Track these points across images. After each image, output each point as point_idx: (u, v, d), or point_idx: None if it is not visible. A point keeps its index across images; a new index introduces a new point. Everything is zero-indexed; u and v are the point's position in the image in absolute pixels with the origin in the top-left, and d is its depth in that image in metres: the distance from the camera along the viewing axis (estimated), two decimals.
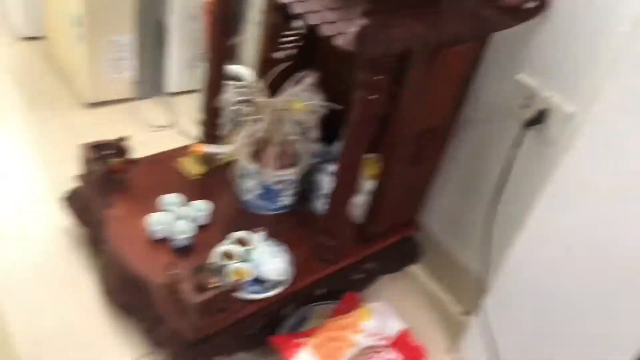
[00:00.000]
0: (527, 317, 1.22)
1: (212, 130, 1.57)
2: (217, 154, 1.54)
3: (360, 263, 1.46)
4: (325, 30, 0.99)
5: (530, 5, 1.17)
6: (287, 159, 1.38)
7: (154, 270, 1.24)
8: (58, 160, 1.67)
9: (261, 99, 1.31)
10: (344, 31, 0.96)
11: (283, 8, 1.40)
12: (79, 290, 1.40)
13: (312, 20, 1.01)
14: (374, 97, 1.10)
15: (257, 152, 1.37)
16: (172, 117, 1.98)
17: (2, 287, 1.36)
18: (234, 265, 1.24)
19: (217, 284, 1.15)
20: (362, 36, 0.93)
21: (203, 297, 1.13)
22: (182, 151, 1.58)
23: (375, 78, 1.07)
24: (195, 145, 1.56)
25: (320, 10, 1.02)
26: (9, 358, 1.24)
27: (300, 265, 1.33)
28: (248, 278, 1.24)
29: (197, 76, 1.92)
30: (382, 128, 1.21)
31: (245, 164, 1.38)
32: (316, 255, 1.36)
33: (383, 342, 1.26)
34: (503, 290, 1.25)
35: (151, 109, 2.00)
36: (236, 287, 1.19)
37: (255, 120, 1.32)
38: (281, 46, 1.52)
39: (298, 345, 1.21)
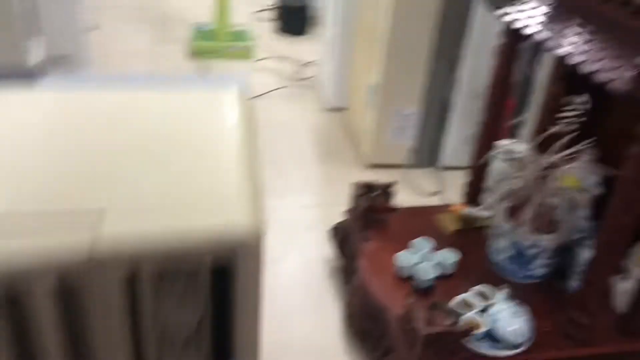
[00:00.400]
0: None
1: (474, 194, 1.60)
2: (476, 216, 1.56)
3: (616, 358, 1.28)
4: (601, 77, 0.97)
5: None
6: (545, 224, 1.33)
7: (394, 303, 1.29)
8: (332, 203, 1.87)
9: (529, 158, 1.31)
10: (619, 76, 0.93)
11: (566, 79, 1.41)
12: (325, 311, 1.52)
13: (589, 68, 1.01)
14: None
15: (514, 211, 1.35)
16: (441, 187, 2.06)
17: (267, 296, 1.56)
18: (469, 314, 1.22)
19: (448, 324, 1.15)
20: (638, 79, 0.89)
21: (432, 330, 1.13)
22: (442, 209, 1.64)
23: None
24: (456, 205, 1.61)
25: (600, 59, 1.02)
26: None
27: (540, 337, 1.24)
28: (480, 330, 1.20)
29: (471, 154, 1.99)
30: None
31: (501, 221, 1.37)
32: (562, 332, 1.25)
33: None
34: None
35: (423, 178, 2.12)
36: (467, 333, 1.17)
37: (516, 177, 1.32)
38: (561, 120, 1.51)
39: None
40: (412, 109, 2.07)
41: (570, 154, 1.32)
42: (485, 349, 1.20)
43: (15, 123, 0.54)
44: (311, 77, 2.84)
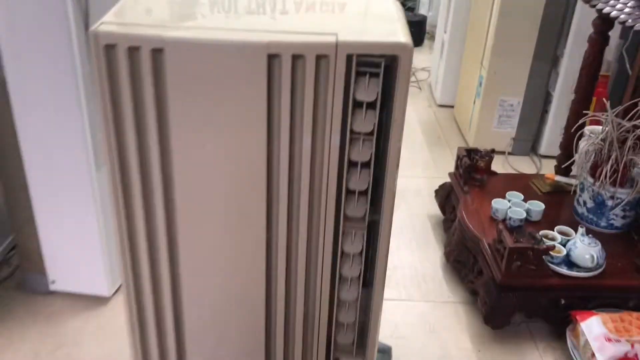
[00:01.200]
0: None
1: (565, 166, 1.85)
2: (564, 182, 1.81)
3: None
4: None
5: None
6: (623, 179, 1.56)
7: (488, 235, 1.58)
8: (437, 177, 2.18)
9: (608, 116, 1.56)
10: None
11: None
12: (430, 251, 1.83)
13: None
14: None
15: (596, 167, 1.59)
16: (537, 171, 2.30)
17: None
18: (550, 242, 1.49)
19: (531, 243, 1.42)
20: None
21: (517, 245, 1.41)
22: (536, 176, 1.90)
23: None
24: (548, 174, 1.87)
25: None
26: None
27: (611, 268, 1.47)
28: (560, 254, 1.46)
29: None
30: None
31: (583, 175, 1.62)
32: (632, 266, 1.48)
33: None
34: None
35: (522, 163, 2.37)
36: (546, 251, 1.43)
37: (600, 137, 1.57)
38: None
39: (592, 314, 1.35)
40: (515, 99, 2.34)
41: None
42: (562, 269, 1.45)
43: None
44: (423, 80, 3.18)
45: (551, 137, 2.37)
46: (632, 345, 1.27)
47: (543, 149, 2.41)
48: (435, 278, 1.72)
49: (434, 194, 2.01)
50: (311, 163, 0.76)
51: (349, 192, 0.80)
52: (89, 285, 1.54)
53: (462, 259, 1.68)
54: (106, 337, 1.45)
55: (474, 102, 2.45)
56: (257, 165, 0.75)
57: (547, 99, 2.36)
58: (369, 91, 0.73)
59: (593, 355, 1.28)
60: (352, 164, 0.78)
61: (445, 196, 1.95)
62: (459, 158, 1.87)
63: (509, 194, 1.72)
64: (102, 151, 1.39)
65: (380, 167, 0.80)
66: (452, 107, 2.84)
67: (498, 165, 2.32)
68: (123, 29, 0.69)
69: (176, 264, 0.83)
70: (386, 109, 0.76)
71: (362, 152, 0.77)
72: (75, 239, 1.47)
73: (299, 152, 0.75)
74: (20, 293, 1.56)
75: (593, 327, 1.32)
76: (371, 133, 0.76)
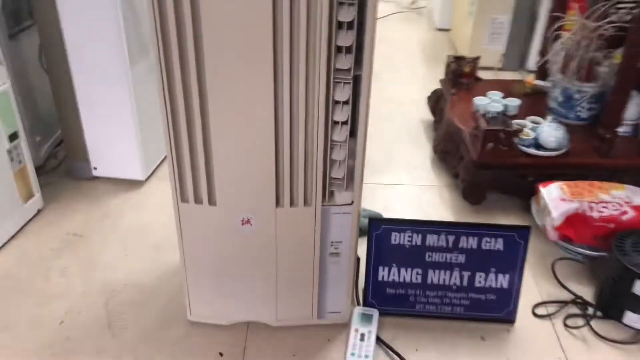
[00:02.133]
0: None
1: (543, 72, 2.06)
2: (542, 85, 2.03)
3: (631, 171, 1.71)
4: None
5: None
6: (589, 75, 1.78)
7: (468, 126, 1.81)
8: (431, 88, 2.39)
9: (576, 18, 1.76)
10: None
11: None
12: (421, 147, 2.08)
13: None
14: None
15: (566, 65, 1.81)
16: None
17: (379, 134, 2.14)
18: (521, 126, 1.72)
19: (503, 126, 1.65)
20: None
21: (491, 127, 1.64)
22: (517, 81, 2.12)
23: None
24: (528, 78, 2.09)
25: None
26: None
27: (575, 149, 1.71)
28: (529, 137, 1.69)
29: None
30: None
31: (554, 73, 1.83)
32: (592, 146, 1.72)
33: (626, 202, 1.52)
34: None
35: (511, 77, 2.58)
36: (517, 133, 1.66)
37: (568, 38, 1.77)
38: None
39: (551, 182, 1.60)
40: (504, 17, 2.53)
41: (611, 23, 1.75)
42: (530, 150, 1.69)
43: None
44: (423, 7, 3.36)
45: (537, 53, 2.57)
46: (581, 203, 1.52)
47: (531, 64, 2.62)
48: (424, 167, 1.97)
49: (426, 98, 2.24)
50: (307, 24, 0.99)
51: (339, 50, 1.04)
52: (126, 171, 1.81)
53: (448, 149, 1.92)
54: (144, 210, 1.72)
55: (467, 22, 2.63)
56: (265, 30, 0.99)
57: (533, 17, 2.54)
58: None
59: (549, 213, 1.53)
60: (340, 26, 1.01)
61: (436, 100, 2.18)
62: (447, 64, 2.09)
63: (489, 93, 1.95)
64: (135, 51, 1.64)
65: (361, 31, 1.03)
66: (449, 30, 3.03)
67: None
68: None
69: (206, 116, 1.08)
70: None
71: (347, 12, 1.00)
72: (114, 130, 1.72)
73: (297, 11, 0.98)
74: (68, 179, 1.84)
75: (552, 190, 1.57)
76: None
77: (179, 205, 1.20)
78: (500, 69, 2.64)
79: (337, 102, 1.09)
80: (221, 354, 1.29)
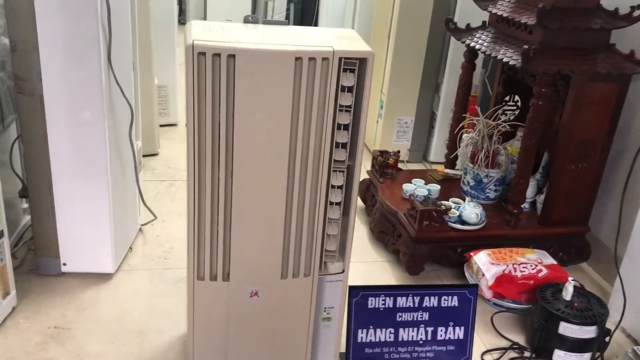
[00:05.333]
0: None
1: (451, 162, 2.48)
2: (452, 173, 2.43)
3: (536, 238, 2.10)
4: (505, 59, 1.88)
5: None
6: (493, 163, 2.19)
7: (401, 209, 2.13)
8: None
9: (480, 119, 2.19)
10: (516, 57, 1.84)
11: (506, 83, 2.33)
12: (358, 230, 2.33)
13: (498, 55, 1.92)
14: (541, 103, 1.91)
15: (474, 155, 2.21)
16: None
17: None
18: (449, 204, 2.07)
19: (435, 206, 1.99)
20: (525, 55, 1.80)
21: (426, 208, 1.97)
22: (431, 170, 2.51)
23: (542, 90, 1.90)
24: (440, 168, 2.49)
25: (509, 52, 1.93)
26: None
27: (490, 224, 2.08)
28: (455, 215, 2.04)
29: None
30: (555, 137, 1.98)
31: (466, 162, 2.23)
32: (504, 220, 2.10)
33: (539, 263, 1.88)
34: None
35: (417, 168, 2.99)
36: (446, 211, 2.00)
37: (475, 133, 2.20)
38: (505, 108, 2.41)
39: (480, 250, 1.93)
40: (409, 118, 2.98)
41: (506, 122, 2.20)
42: (457, 225, 2.03)
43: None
44: None
45: (437, 147, 3.02)
46: (507, 266, 1.85)
47: (432, 156, 3.06)
48: (365, 246, 2.25)
49: None
50: (317, 125, 1.26)
51: (337, 145, 1.30)
52: (96, 265, 1.88)
53: (384, 229, 2.22)
54: (119, 300, 1.80)
55: (377, 122, 3.05)
56: (284, 127, 1.23)
57: (432, 117, 3.01)
58: (349, 79, 1.24)
59: (483, 275, 1.85)
60: (339, 127, 1.29)
61: (364, 190, 2.50)
62: (374, 157, 2.43)
63: (414, 181, 2.30)
64: (113, 149, 1.79)
65: (355, 129, 1.31)
66: None
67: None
68: (209, 43, 1.16)
69: (229, 202, 1.28)
70: (358, 93, 1.28)
71: (345, 118, 1.28)
72: (88, 226, 1.82)
73: (309, 117, 1.24)
74: (34, 275, 1.87)
75: (481, 257, 1.90)
76: (349, 106, 1.27)
77: (194, 284, 1.35)
78: (408, 161, 3.05)
79: (333, 187, 1.34)
80: None
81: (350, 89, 1.26)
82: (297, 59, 1.19)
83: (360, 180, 2.57)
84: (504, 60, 1.93)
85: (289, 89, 1.21)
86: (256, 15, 1.32)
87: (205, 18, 5.21)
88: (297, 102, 1.23)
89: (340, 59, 1.22)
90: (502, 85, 2.41)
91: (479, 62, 2.52)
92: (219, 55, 1.16)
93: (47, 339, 1.62)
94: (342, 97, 1.26)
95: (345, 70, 1.24)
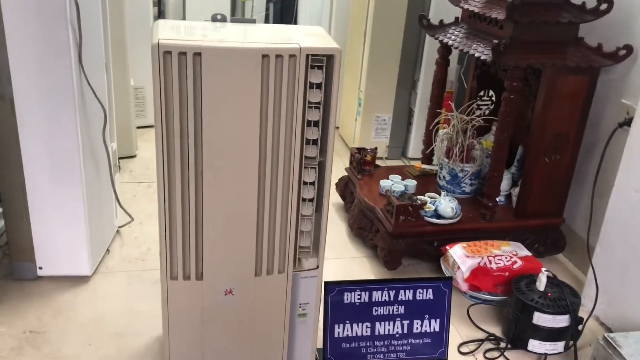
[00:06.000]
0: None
1: (427, 157, 2.50)
2: (428, 168, 2.45)
3: (511, 231, 2.13)
4: (477, 54, 1.90)
5: (622, 52, 1.91)
6: (468, 157, 2.22)
7: (379, 204, 2.15)
8: (335, 176, 2.74)
9: (454, 114, 2.21)
10: (487, 51, 1.87)
11: (480, 78, 2.35)
12: (337, 227, 2.36)
13: (470, 51, 1.94)
14: (513, 97, 1.93)
15: (449, 150, 2.23)
16: None
17: None
18: (425, 199, 2.08)
19: (411, 201, 2.01)
20: (496, 49, 1.82)
21: (401, 203, 1.98)
22: (408, 166, 2.52)
23: (514, 84, 1.92)
24: (417, 164, 2.51)
25: (476, 46, 1.95)
26: None
27: (466, 217, 2.10)
28: (431, 210, 2.06)
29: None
30: (528, 131, 2.01)
31: (441, 157, 2.25)
32: (479, 214, 2.12)
33: (514, 255, 1.91)
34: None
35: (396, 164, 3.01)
36: (422, 206, 2.02)
37: (450, 128, 2.22)
38: (480, 103, 2.44)
39: (455, 244, 1.95)
40: (386, 115, 2.99)
41: (480, 116, 2.22)
42: (433, 219, 2.05)
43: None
44: None
45: (415, 143, 3.04)
46: (482, 258, 1.88)
47: (410, 152, 3.08)
48: (344, 243, 2.26)
49: (334, 187, 2.56)
50: (286, 122, 1.26)
51: (307, 142, 1.31)
52: (73, 268, 1.87)
53: (363, 225, 2.23)
54: (96, 303, 1.79)
55: (356, 120, 3.07)
56: (253, 125, 1.24)
57: (410, 114, 3.03)
58: (317, 76, 1.25)
59: (459, 268, 1.87)
60: (309, 123, 1.29)
61: (343, 186, 2.51)
62: (352, 155, 2.45)
63: (391, 177, 2.32)
64: (87, 151, 1.78)
65: (325, 126, 1.32)
66: (337, 128, 3.44)
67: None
68: (175, 42, 1.16)
69: (200, 199, 1.28)
70: (327, 90, 1.29)
71: (314, 114, 1.28)
72: (64, 228, 1.81)
73: (278, 115, 1.25)
74: (9, 280, 1.86)
75: (456, 250, 1.92)
76: (319, 103, 1.28)
77: (167, 283, 1.35)
78: (387, 158, 3.06)
79: (305, 183, 1.35)
80: None
81: (318, 86, 1.27)
82: (264, 56, 1.20)
83: (339, 177, 2.62)
84: (475, 55, 1.95)
85: (256, 86, 1.21)
86: (224, 13, 1.32)
87: (184, 18, 5.19)
88: (266, 99, 1.23)
89: (307, 55, 1.22)
90: (476, 80, 2.43)
91: (454, 58, 2.55)
92: (185, 54, 1.16)
93: (23, 343, 1.61)
94: (311, 93, 1.27)
95: (312, 67, 1.25)
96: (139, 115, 3.02)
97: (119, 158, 2.40)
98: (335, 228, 2.36)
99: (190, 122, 1.21)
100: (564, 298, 1.68)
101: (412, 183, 2.27)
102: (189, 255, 1.33)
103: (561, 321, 1.66)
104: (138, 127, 2.93)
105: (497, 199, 2.13)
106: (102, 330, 1.68)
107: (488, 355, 1.70)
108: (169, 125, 1.21)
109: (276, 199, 1.33)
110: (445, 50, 2.34)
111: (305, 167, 1.33)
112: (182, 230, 1.30)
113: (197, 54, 1.16)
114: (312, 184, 1.36)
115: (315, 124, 1.30)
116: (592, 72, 1.97)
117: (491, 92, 2.48)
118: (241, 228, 1.33)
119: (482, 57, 1.90)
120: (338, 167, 2.57)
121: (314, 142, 1.32)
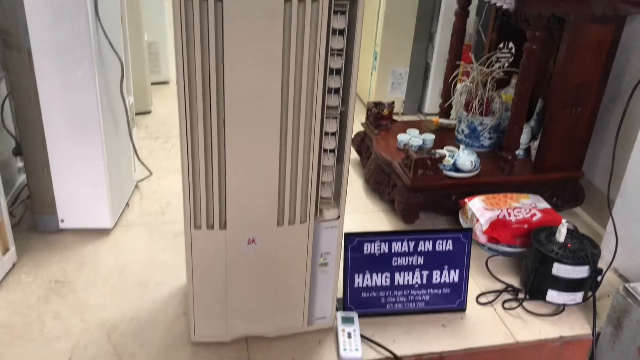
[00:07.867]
0: None
1: (446, 111, 2.47)
2: (446, 123, 2.43)
3: (530, 184, 2.11)
4: (499, 3, 1.86)
5: None
6: (488, 110, 2.19)
7: (396, 158, 2.14)
8: None
9: (474, 66, 2.17)
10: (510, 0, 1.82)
11: (500, 30, 2.30)
12: (353, 182, 2.36)
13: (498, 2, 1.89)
14: (535, 47, 1.89)
15: (468, 103, 2.21)
16: None
17: None
18: (443, 153, 2.07)
19: (429, 155, 1.99)
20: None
21: (419, 156, 1.97)
22: (426, 121, 2.50)
23: (537, 34, 1.88)
24: (434, 118, 2.48)
25: None
26: None
27: (484, 171, 2.09)
28: (449, 163, 2.05)
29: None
30: (549, 83, 1.97)
31: (460, 110, 2.23)
32: (497, 167, 2.11)
33: (533, 207, 1.90)
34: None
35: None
36: (440, 159, 2.01)
37: (469, 80, 2.18)
38: (499, 55, 2.39)
39: (473, 197, 1.95)
40: (403, 69, 2.95)
41: (499, 68, 2.19)
42: (452, 173, 2.04)
43: None
44: None
45: (432, 99, 3.01)
46: (501, 211, 1.87)
47: (426, 108, 3.04)
48: (361, 197, 2.26)
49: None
50: (308, 70, 1.25)
51: (329, 91, 1.30)
52: (94, 220, 1.90)
53: (380, 180, 2.23)
54: (119, 255, 1.82)
55: (371, 74, 3.03)
56: (275, 73, 1.22)
57: (427, 68, 2.99)
58: (340, 21, 1.23)
59: (477, 220, 1.87)
60: (331, 72, 1.28)
61: (360, 141, 2.50)
62: (368, 109, 2.43)
63: (408, 131, 2.30)
64: (105, 104, 1.78)
65: (347, 74, 1.30)
66: None
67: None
68: None
69: (222, 149, 1.27)
70: (349, 36, 1.27)
71: (337, 62, 1.27)
72: (84, 181, 1.82)
73: (300, 63, 1.23)
74: (33, 233, 1.88)
75: (475, 203, 1.92)
76: (341, 50, 1.26)
77: (191, 232, 1.36)
78: (403, 113, 3.04)
79: (326, 134, 1.34)
80: None
81: (341, 32, 1.25)
82: (286, 1, 1.17)
83: (355, 132, 2.60)
84: (497, 4, 1.91)
85: (279, 33, 1.19)
86: None
87: None
88: (288, 46, 1.21)
89: (330, 0, 1.20)
90: (496, 32, 2.38)
91: (472, 10, 2.49)
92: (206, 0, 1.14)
93: (49, 292, 1.64)
94: (334, 40, 1.24)
95: (335, 12, 1.22)
96: (152, 71, 3.00)
97: (135, 114, 2.40)
98: (352, 183, 2.36)
99: (212, 72, 1.20)
100: (583, 249, 1.68)
101: (430, 137, 2.25)
102: (212, 205, 1.34)
103: (580, 272, 1.66)
104: (152, 84, 2.92)
105: (516, 153, 2.11)
106: (125, 280, 1.71)
107: (506, 305, 1.72)
108: (190, 75, 1.20)
109: (298, 149, 1.32)
110: (464, 0, 2.29)
111: (327, 118, 1.32)
112: (206, 180, 1.30)
113: (219, 0, 1.14)
114: (333, 134, 1.35)
115: (338, 72, 1.29)
116: (618, 21, 1.92)
117: (511, 44, 2.43)
118: (264, 178, 1.33)
119: (505, 6, 1.85)
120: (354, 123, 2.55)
121: (336, 91, 1.31)
